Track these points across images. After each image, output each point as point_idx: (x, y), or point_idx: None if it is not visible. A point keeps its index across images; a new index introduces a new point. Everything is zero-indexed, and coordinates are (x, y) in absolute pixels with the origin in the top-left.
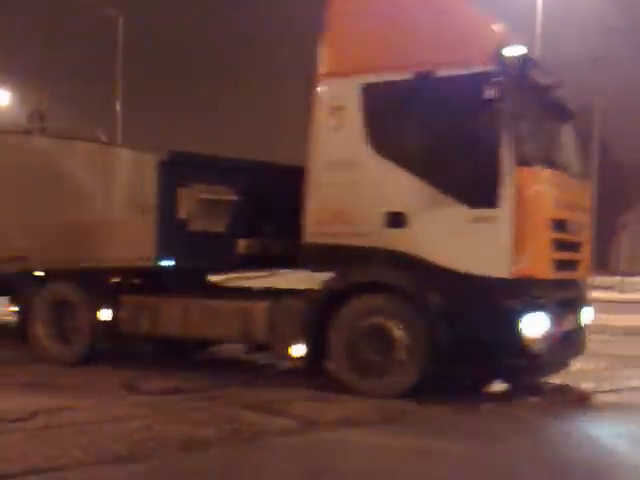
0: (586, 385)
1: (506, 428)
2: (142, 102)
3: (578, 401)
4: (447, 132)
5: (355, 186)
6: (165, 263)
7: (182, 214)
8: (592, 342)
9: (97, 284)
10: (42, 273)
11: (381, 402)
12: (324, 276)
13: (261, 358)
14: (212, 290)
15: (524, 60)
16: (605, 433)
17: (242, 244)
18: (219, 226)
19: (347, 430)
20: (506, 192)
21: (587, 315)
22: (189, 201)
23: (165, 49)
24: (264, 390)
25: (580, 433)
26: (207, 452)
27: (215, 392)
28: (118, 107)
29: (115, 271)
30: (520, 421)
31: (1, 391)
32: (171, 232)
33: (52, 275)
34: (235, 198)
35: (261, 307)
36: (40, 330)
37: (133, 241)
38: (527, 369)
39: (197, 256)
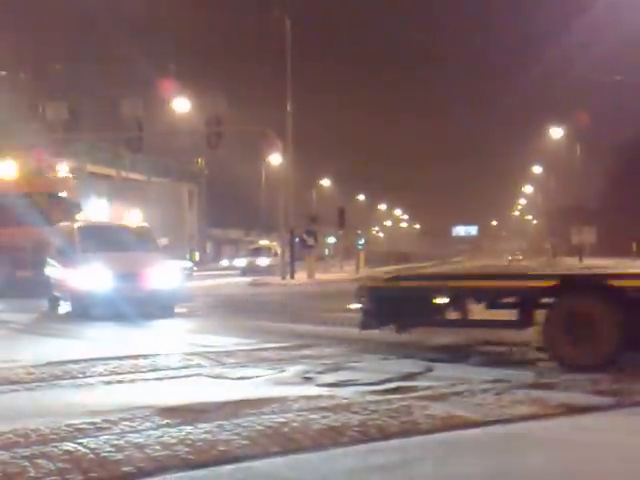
0: None
1: None
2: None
3: None
4: None
5: None
6: None
7: None
8: None
9: None
10: None
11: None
12: None
13: None
14: None
15: None
16: None
17: None
18: None
19: (536, 424)
20: None
21: None
22: None
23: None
24: (442, 381)
25: None
26: (387, 444)
27: (392, 384)
28: (289, 108)
29: None
30: None
31: (188, 385)
32: None
33: None
34: None
35: None
36: None
37: None
38: None
39: None
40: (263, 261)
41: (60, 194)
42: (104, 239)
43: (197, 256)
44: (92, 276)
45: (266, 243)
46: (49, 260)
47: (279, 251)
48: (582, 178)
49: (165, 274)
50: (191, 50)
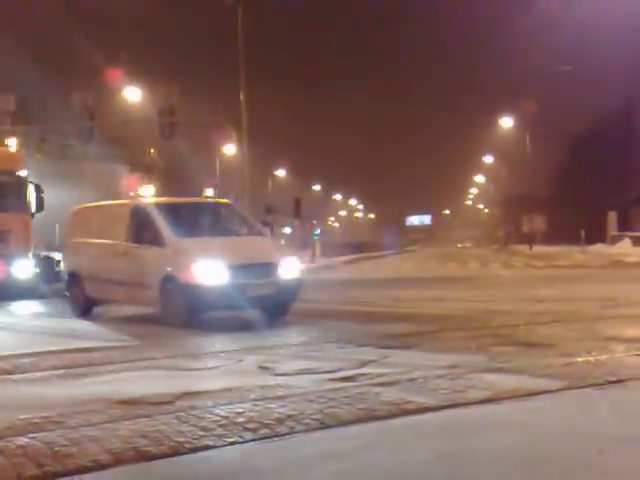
0: None
1: None
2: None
3: None
4: None
5: None
6: None
7: None
8: None
9: None
10: None
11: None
12: None
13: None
14: None
15: None
16: None
17: None
18: None
19: (489, 407)
20: None
21: None
22: None
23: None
24: (397, 368)
25: None
26: (344, 430)
27: (349, 372)
28: (242, 98)
29: None
30: None
31: (143, 377)
32: None
33: None
34: None
35: None
36: None
37: None
38: None
39: None
40: None
41: (18, 173)
42: (194, 220)
43: None
44: (203, 268)
45: None
46: (67, 251)
47: None
48: (532, 167)
49: (290, 264)
50: (143, 40)
